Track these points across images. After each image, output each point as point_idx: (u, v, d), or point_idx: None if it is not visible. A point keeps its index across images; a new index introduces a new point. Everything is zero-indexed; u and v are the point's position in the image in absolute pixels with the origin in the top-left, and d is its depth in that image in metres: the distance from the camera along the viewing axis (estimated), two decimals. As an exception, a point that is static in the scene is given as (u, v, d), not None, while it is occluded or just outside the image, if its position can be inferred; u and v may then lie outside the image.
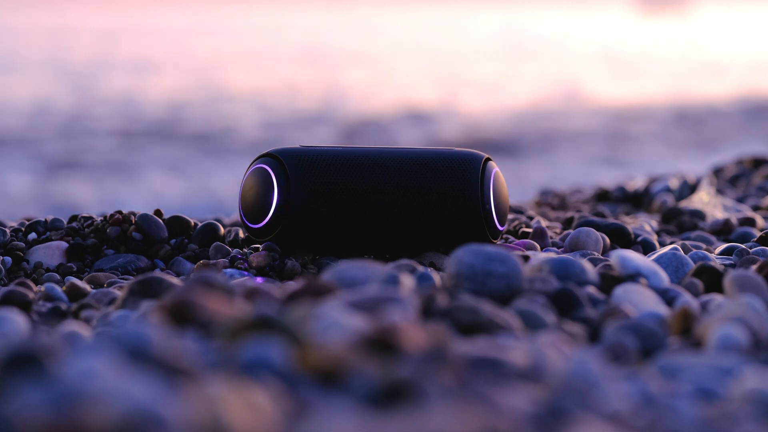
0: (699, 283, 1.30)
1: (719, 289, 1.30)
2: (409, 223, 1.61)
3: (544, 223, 1.89)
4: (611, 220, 1.89)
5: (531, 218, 2.02)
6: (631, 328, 1.05)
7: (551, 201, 2.55)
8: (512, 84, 11.76)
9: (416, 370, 0.80)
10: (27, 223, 1.73)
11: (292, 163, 1.58)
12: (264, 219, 1.59)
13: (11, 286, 1.35)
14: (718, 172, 3.05)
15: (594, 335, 1.09)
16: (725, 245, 1.69)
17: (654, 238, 1.80)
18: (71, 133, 7.69)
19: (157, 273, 1.27)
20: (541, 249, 1.71)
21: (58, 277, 1.58)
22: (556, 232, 1.92)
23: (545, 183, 2.99)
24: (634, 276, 1.24)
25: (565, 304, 1.13)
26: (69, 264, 1.63)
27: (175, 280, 1.23)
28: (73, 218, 1.73)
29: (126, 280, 1.53)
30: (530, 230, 1.79)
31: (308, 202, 1.58)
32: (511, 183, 1.77)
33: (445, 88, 11.21)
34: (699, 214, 2.15)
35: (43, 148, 6.99)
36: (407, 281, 1.13)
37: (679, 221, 2.09)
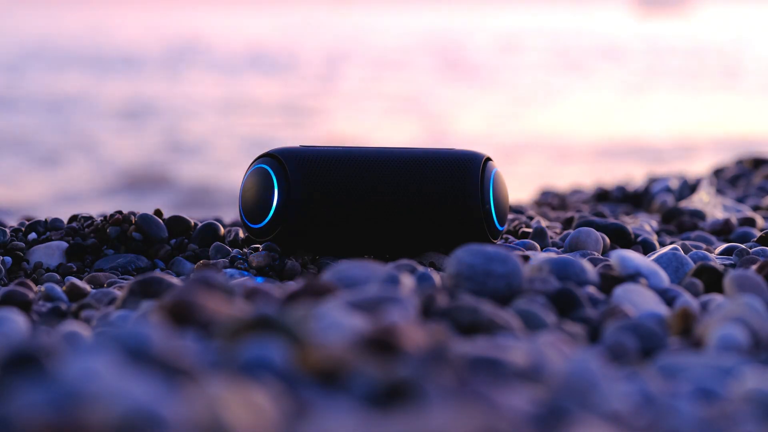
0: (699, 283, 1.30)
1: (719, 289, 1.30)
2: (409, 223, 1.61)
3: (544, 223, 1.89)
4: (611, 220, 1.89)
5: (531, 218, 2.02)
6: (631, 328, 1.05)
7: (551, 201, 2.55)
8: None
9: (416, 370, 0.80)
10: (27, 223, 1.73)
11: (293, 163, 1.58)
12: (264, 219, 1.59)
13: (11, 286, 1.35)
14: (718, 172, 3.05)
15: (594, 335, 1.09)
16: (725, 245, 1.69)
17: (654, 238, 1.80)
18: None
19: (157, 273, 1.27)
20: (541, 249, 1.72)
21: (58, 277, 1.58)
22: (556, 232, 1.92)
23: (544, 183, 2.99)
24: (634, 276, 1.24)
25: (565, 304, 1.13)
26: (69, 264, 1.63)
27: (175, 280, 1.23)
28: (73, 218, 1.73)
29: (126, 280, 1.53)
30: (530, 230, 1.79)
31: (308, 202, 1.58)
32: (511, 183, 1.76)
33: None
34: (699, 214, 2.15)
35: None
36: (407, 281, 1.13)
37: (679, 221, 2.09)
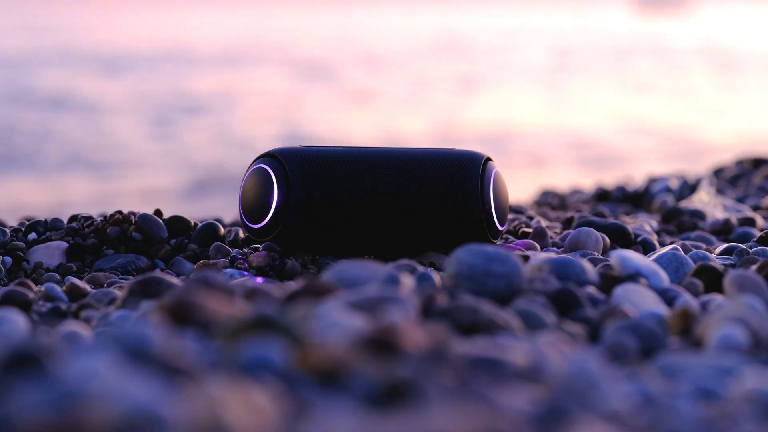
0: (699, 283, 1.30)
1: (719, 289, 1.30)
2: (409, 223, 1.61)
3: (544, 223, 1.89)
4: (611, 220, 1.89)
5: (531, 218, 2.02)
6: (631, 328, 1.05)
7: (551, 201, 2.55)
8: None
9: (416, 370, 0.80)
10: (27, 223, 1.73)
11: (293, 163, 1.58)
12: (264, 219, 1.59)
13: (11, 286, 1.35)
14: (718, 172, 3.05)
15: (594, 335, 1.09)
16: (725, 245, 1.69)
17: (654, 238, 1.80)
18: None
19: (157, 273, 1.27)
20: (541, 249, 1.72)
21: (58, 277, 1.58)
22: (556, 232, 1.92)
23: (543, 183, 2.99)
24: (634, 276, 1.24)
25: (565, 304, 1.13)
26: (69, 264, 1.62)
27: (175, 280, 1.23)
28: (73, 218, 1.73)
29: (126, 280, 1.53)
30: (530, 230, 1.79)
31: (308, 202, 1.58)
32: (511, 183, 1.77)
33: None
34: (699, 214, 2.15)
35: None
36: (407, 281, 1.13)
37: (679, 221, 2.10)
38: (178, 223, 1.70)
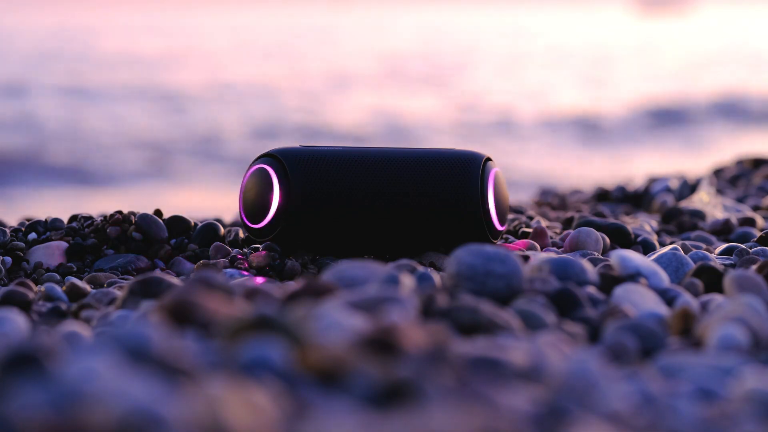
0: (699, 283, 1.30)
1: (719, 289, 1.30)
2: (409, 223, 1.61)
3: (544, 223, 1.89)
4: (611, 220, 1.89)
5: (531, 218, 2.02)
6: (631, 328, 1.05)
7: (551, 201, 2.55)
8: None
9: (416, 370, 0.80)
10: (27, 223, 1.73)
11: (293, 163, 1.58)
12: (264, 219, 1.59)
13: (11, 286, 1.35)
14: (718, 172, 3.05)
15: (594, 335, 1.09)
16: (725, 245, 1.69)
17: (654, 238, 1.80)
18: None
19: (157, 273, 1.27)
20: (541, 249, 1.72)
21: (58, 277, 1.58)
22: (556, 232, 1.92)
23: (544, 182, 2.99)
24: (634, 276, 1.24)
25: (565, 304, 1.13)
26: (69, 264, 1.62)
27: (175, 280, 1.23)
28: (73, 218, 1.73)
29: (126, 280, 1.53)
30: (530, 230, 1.79)
31: (308, 202, 1.58)
32: (511, 183, 1.77)
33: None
34: (699, 214, 2.15)
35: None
36: (407, 281, 1.13)
37: (679, 221, 2.10)
38: (178, 223, 1.70)
